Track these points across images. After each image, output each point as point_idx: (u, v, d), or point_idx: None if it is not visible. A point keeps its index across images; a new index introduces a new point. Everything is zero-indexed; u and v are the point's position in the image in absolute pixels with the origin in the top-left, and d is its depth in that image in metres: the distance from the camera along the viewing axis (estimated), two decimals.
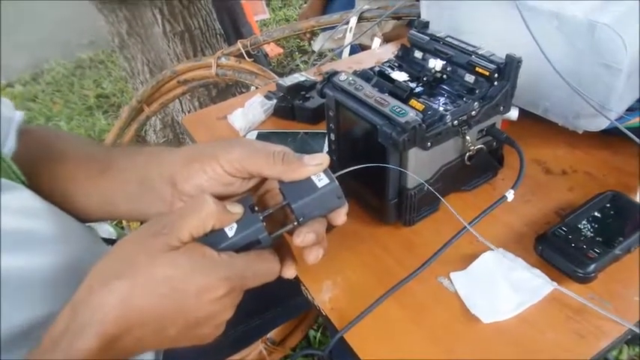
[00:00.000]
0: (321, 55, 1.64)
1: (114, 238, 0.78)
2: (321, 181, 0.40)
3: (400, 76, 0.57)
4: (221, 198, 0.43)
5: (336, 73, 0.56)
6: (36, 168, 0.50)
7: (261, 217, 0.40)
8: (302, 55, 2.71)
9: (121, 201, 0.48)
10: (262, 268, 0.39)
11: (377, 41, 1.19)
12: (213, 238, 0.38)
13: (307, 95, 0.78)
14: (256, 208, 0.41)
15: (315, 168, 0.40)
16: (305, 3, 3.20)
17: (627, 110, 0.62)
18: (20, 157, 0.50)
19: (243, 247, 0.39)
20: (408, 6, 0.98)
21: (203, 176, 0.42)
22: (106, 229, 0.81)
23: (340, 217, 0.42)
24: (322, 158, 0.41)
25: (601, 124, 0.60)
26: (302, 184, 0.40)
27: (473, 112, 0.52)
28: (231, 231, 0.38)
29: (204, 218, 0.37)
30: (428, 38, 0.59)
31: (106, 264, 0.36)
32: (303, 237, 0.40)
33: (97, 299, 0.34)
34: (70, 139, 0.55)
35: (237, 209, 0.39)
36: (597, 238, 0.49)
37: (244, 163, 0.41)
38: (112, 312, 0.33)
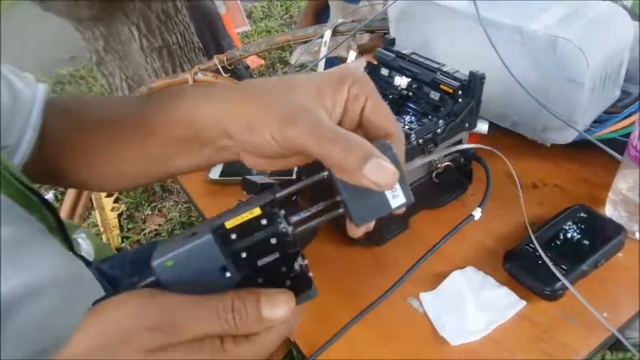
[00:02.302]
0: (302, 66, 1.64)
1: (90, 260, 0.77)
2: (396, 199, 0.30)
3: None
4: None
5: None
6: (67, 141, 0.48)
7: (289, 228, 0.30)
8: (284, 67, 2.72)
9: (175, 160, 0.43)
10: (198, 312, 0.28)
11: (352, 54, 1.19)
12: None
13: None
14: (282, 212, 0.30)
15: (371, 185, 0.29)
16: (286, 14, 3.22)
17: (594, 122, 0.62)
18: (47, 132, 0.48)
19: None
20: (380, 20, 0.98)
21: (258, 141, 0.34)
22: (86, 249, 0.80)
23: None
24: (389, 175, 0.29)
25: (568, 136, 0.61)
26: (371, 195, 0.30)
27: (438, 130, 0.52)
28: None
29: None
30: (394, 55, 0.59)
31: None
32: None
33: None
34: (101, 106, 0.51)
35: None
36: (565, 254, 0.49)
37: (307, 145, 0.31)
38: None
